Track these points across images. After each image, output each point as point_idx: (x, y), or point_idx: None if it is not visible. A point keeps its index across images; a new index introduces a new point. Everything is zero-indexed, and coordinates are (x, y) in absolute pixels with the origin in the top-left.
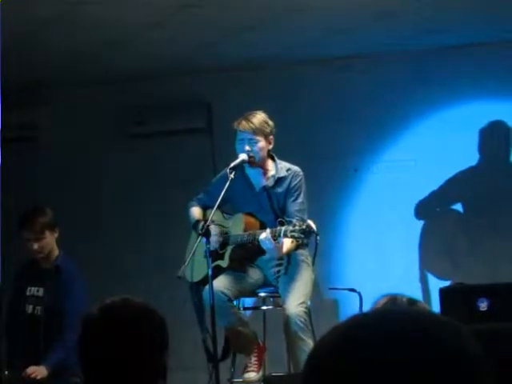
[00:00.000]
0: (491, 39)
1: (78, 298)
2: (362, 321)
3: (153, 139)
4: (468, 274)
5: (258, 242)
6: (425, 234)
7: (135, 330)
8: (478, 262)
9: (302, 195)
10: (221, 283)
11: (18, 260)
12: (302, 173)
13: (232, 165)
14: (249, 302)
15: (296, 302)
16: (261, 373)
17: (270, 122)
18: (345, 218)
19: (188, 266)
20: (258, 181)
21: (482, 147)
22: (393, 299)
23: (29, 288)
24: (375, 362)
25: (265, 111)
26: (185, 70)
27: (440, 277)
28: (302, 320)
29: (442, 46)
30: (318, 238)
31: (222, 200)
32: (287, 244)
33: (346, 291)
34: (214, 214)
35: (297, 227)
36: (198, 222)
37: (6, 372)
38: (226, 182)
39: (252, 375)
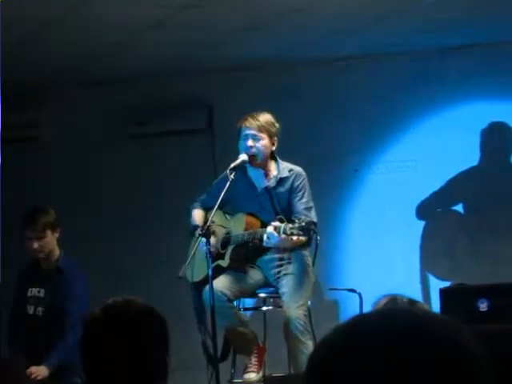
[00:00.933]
0: (491, 39)
1: (80, 299)
2: (362, 321)
3: (153, 140)
4: (468, 274)
5: (259, 239)
6: (425, 235)
7: (137, 330)
8: (478, 263)
9: (306, 194)
10: (221, 283)
11: (18, 260)
12: (304, 173)
13: (232, 165)
14: (249, 302)
15: (296, 304)
16: (261, 373)
17: (277, 124)
18: (345, 219)
19: (189, 266)
20: (260, 182)
21: (483, 147)
22: (393, 300)
23: (30, 289)
24: (375, 362)
25: (265, 111)
26: (185, 71)
27: (440, 277)
28: (302, 323)
29: (443, 46)
30: (319, 238)
31: (223, 200)
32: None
33: (346, 292)
34: (214, 214)
35: (296, 224)
36: (195, 227)
37: None
38: (227, 183)
39: (252, 376)
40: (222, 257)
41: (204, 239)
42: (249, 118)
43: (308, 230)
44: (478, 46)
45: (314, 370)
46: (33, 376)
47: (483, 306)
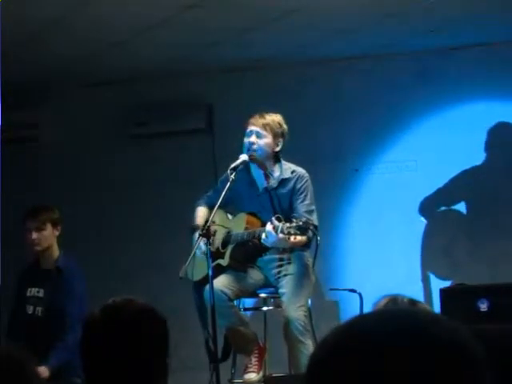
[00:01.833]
0: (491, 39)
1: (80, 299)
2: (363, 321)
3: (153, 140)
4: (469, 274)
5: (259, 239)
6: (426, 235)
7: (137, 330)
8: (478, 263)
9: (308, 197)
10: (221, 283)
11: (18, 260)
12: (307, 175)
13: (233, 165)
14: (249, 302)
15: (296, 304)
16: (261, 373)
17: (284, 126)
18: (345, 219)
19: (189, 265)
20: (261, 182)
21: (483, 147)
22: (393, 300)
23: (29, 289)
24: (376, 362)
25: (265, 111)
26: (185, 71)
27: (440, 277)
28: (302, 323)
29: (443, 46)
30: (319, 238)
31: (226, 200)
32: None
33: (347, 292)
34: (216, 214)
35: (293, 224)
36: (194, 227)
37: None
38: (228, 183)
39: (252, 376)
40: (222, 256)
41: (204, 239)
42: (256, 116)
43: (305, 229)
44: (478, 45)
45: (314, 370)
46: None
47: (483, 306)
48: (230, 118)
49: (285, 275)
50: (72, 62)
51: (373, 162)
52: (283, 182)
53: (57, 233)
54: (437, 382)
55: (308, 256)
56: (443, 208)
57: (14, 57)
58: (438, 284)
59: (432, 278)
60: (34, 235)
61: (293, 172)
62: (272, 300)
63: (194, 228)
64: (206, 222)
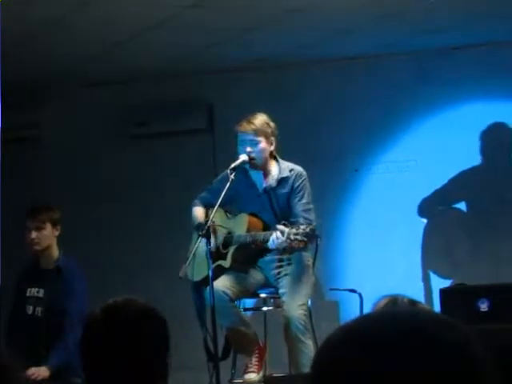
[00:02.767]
0: (491, 39)
1: (80, 299)
2: (364, 322)
3: (154, 140)
4: (469, 274)
5: (262, 242)
6: (426, 235)
7: (137, 330)
8: (478, 263)
9: (306, 195)
10: (222, 283)
11: (17, 260)
12: (305, 173)
13: (232, 165)
14: (249, 303)
15: (296, 304)
16: (261, 373)
17: (272, 124)
18: (345, 219)
19: (190, 265)
20: (260, 182)
21: (483, 147)
22: (393, 300)
23: (29, 289)
24: (377, 362)
25: (265, 112)
26: (186, 71)
27: (440, 277)
28: (302, 323)
29: (443, 46)
30: (319, 239)
31: (225, 200)
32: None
33: (347, 292)
34: (215, 214)
35: (300, 230)
36: (200, 224)
37: None
38: (227, 183)
39: (252, 376)
40: (223, 257)
41: (204, 239)
42: (244, 124)
43: (313, 236)
44: (478, 45)
45: (318, 371)
46: (33, 377)
47: (483, 306)
48: (230, 118)
49: (285, 275)
50: (72, 62)
51: (373, 162)
52: (282, 180)
53: (56, 232)
54: (437, 381)
55: (308, 256)
56: (443, 208)
57: (14, 57)
58: (438, 284)
59: (432, 277)
60: (34, 235)
61: (291, 170)
62: (272, 300)
63: (199, 226)
64: (207, 222)
